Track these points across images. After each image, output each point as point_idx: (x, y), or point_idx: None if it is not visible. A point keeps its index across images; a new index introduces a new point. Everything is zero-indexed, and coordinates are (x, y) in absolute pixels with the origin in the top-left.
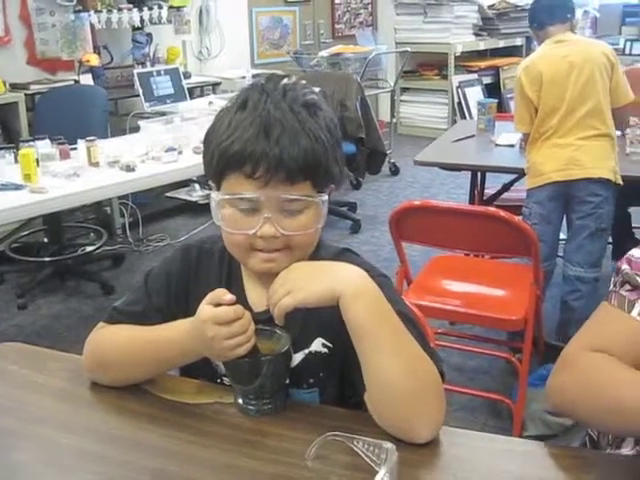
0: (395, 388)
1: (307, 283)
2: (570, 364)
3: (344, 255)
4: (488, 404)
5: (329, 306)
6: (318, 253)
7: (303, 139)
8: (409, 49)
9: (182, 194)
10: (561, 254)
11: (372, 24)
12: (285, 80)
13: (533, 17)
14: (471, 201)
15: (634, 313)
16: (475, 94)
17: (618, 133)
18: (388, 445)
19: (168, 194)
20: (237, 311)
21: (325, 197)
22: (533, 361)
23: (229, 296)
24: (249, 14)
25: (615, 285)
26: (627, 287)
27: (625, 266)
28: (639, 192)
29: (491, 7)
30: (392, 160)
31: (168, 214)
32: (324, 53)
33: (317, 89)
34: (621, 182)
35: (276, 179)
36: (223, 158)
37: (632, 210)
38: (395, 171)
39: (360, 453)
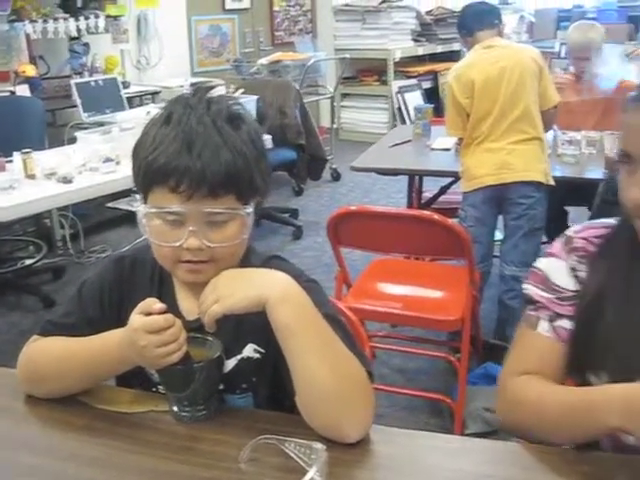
0: (322, 389)
1: (235, 290)
2: (501, 391)
3: (273, 262)
4: (429, 404)
5: (259, 312)
6: (248, 260)
7: (225, 153)
8: (348, 55)
9: (123, 204)
10: (498, 254)
11: (311, 31)
12: (211, 93)
13: (462, 24)
14: (409, 205)
15: (539, 329)
16: (415, 99)
17: (550, 135)
18: (318, 445)
19: (109, 205)
20: (168, 319)
21: (249, 209)
22: (472, 360)
23: (159, 305)
24: (188, 22)
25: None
26: (530, 306)
27: (525, 286)
28: (573, 192)
29: (429, 13)
30: (333, 166)
31: (109, 225)
32: (263, 61)
33: (255, 97)
34: (553, 183)
35: (199, 193)
36: (148, 172)
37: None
38: (336, 177)
39: (291, 454)
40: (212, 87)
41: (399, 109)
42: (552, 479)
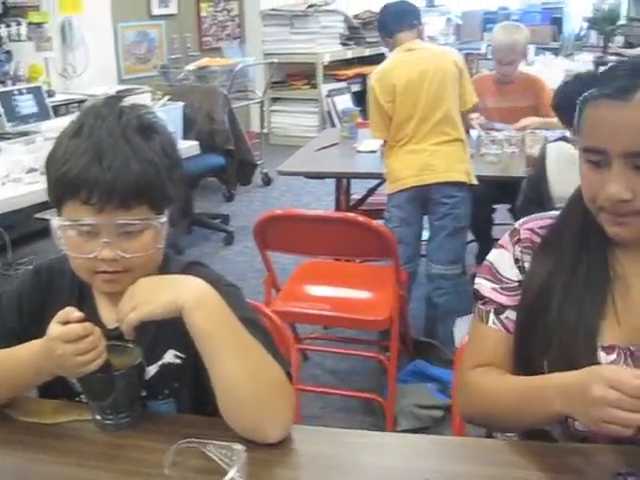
0: (241, 393)
1: (151, 297)
2: (461, 385)
3: (192, 268)
4: (363, 403)
5: (178, 317)
6: (167, 267)
7: (135, 164)
8: (276, 60)
9: (51, 215)
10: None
11: (240, 36)
12: (123, 102)
13: (382, 25)
14: (337, 207)
15: (490, 322)
16: (344, 102)
17: (474, 135)
18: (238, 447)
19: (37, 215)
20: (86, 328)
21: (163, 219)
22: (403, 358)
23: (77, 313)
24: (114, 29)
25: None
26: (480, 301)
27: (477, 280)
28: (498, 190)
29: (356, 17)
30: (264, 170)
31: (38, 236)
32: (191, 67)
33: (181, 104)
34: (475, 182)
35: (111, 205)
36: (59, 185)
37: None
38: (267, 181)
39: (213, 457)
40: (124, 97)
41: (329, 112)
42: (482, 469)
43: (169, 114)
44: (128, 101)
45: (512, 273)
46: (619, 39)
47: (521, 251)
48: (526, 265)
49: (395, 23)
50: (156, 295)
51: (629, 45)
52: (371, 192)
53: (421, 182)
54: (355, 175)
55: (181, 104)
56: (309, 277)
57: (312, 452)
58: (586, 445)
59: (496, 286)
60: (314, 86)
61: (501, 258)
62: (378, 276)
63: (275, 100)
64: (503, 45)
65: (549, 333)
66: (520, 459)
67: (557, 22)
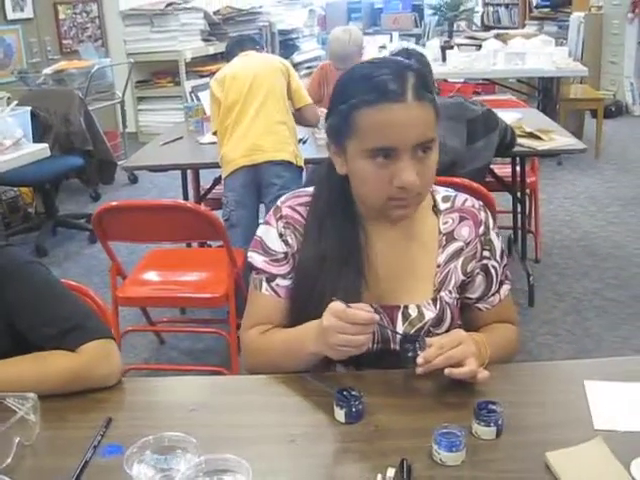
0: None
1: None
2: (242, 344)
3: (5, 248)
4: None
5: None
6: None
7: None
8: (132, 60)
9: None
10: None
11: (101, 37)
12: None
13: (227, 51)
14: (185, 198)
15: (263, 290)
16: (209, 97)
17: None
18: (30, 395)
19: None
20: None
21: None
22: None
23: None
24: None
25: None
26: (254, 271)
27: (249, 254)
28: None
29: (216, 13)
30: None
31: None
32: (48, 70)
33: (27, 108)
34: (302, 165)
35: None
36: None
37: None
38: (134, 179)
39: (11, 406)
40: None
41: None
42: (241, 398)
43: (18, 119)
44: None
45: (278, 246)
46: (477, 24)
47: (284, 226)
48: (289, 239)
49: (237, 47)
50: None
51: (486, 29)
52: (217, 182)
53: (251, 162)
54: (196, 166)
55: (28, 108)
56: (155, 264)
57: (98, 397)
58: (332, 373)
59: (266, 258)
60: (178, 83)
61: (268, 233)
62: (219, 258)
63: (141, 99)
64: (338, 57)
65: (319, 297)
66: (278, 389)
67: (418, 9)
